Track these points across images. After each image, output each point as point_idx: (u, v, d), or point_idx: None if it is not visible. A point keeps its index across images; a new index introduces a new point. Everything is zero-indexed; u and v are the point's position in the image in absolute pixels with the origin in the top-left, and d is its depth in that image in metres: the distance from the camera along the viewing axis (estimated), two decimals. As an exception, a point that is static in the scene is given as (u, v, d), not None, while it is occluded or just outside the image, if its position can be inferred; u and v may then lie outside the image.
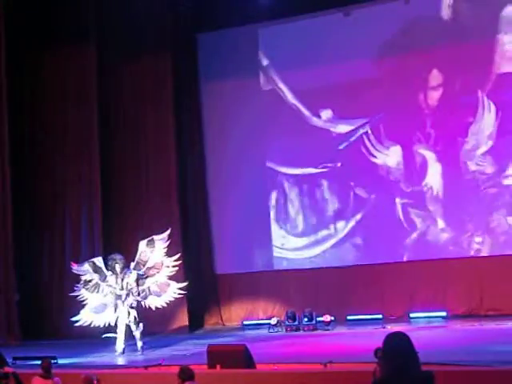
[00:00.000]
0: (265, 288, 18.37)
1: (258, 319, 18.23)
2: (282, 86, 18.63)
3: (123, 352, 13.95)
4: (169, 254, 14.52)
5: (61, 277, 18.44)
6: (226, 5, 18.38)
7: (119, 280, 14.09)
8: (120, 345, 14.03)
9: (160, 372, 11.18)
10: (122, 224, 18.73)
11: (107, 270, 14.31)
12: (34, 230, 18.99)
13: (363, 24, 17.64)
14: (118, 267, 14.11)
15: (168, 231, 14.56)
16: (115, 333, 14.23)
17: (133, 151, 19.01)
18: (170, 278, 14.51)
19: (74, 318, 14.57)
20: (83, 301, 14.45)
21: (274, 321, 16.70)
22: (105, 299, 14.31)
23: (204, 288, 18.80)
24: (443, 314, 16.52)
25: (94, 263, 14.44)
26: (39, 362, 9.51)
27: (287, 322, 16.49)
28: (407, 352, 4.55)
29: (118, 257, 14.34)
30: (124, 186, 19.04)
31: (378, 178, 17.74)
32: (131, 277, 14.11)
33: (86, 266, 14.44)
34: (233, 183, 18.85)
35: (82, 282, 14.41)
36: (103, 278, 14.29)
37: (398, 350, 4.56)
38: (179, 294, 14.57)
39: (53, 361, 11.82)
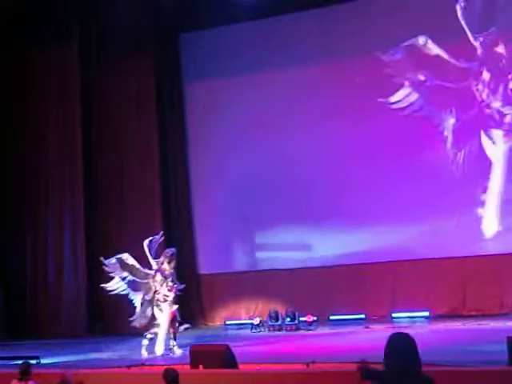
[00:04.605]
0: (247, 288, 18.34)
1: (241, 319, 18.23)
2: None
3: (163, 355, 12.99)
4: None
5: (45, 276, 18.37)
6: (209, 4, 18.33)
7: (169, 280, 13.32)
8: (161, 346, 13.17)
9: (142, 372, 11.15)
10: (104, 224, 18.66)
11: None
12: (18, 229, 18.92)
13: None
14: (173, 264, 13.36)
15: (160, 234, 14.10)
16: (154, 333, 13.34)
17: (116, 152, 18.94)
18: None
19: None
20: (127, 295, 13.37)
21: (256, 321, 16.70)
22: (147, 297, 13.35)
23: (186, 288, 18.70)
24: (426, 313, 16.55)
25: (121, 259, 13.20)
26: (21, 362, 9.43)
27: (270, 322, 16.48)
28: (409, 353, 4.59)
29: (175, 251, 13.49)
30: (107, 186, 18.98)
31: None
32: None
33: (114, 261, 13.19)
34: (216, 182, 18.82)
35: (119, 277, 13.20)
36: (141, 276, 13.30)
37: (400, 349, 4.59)
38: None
39: (35, 360, 11.79)
